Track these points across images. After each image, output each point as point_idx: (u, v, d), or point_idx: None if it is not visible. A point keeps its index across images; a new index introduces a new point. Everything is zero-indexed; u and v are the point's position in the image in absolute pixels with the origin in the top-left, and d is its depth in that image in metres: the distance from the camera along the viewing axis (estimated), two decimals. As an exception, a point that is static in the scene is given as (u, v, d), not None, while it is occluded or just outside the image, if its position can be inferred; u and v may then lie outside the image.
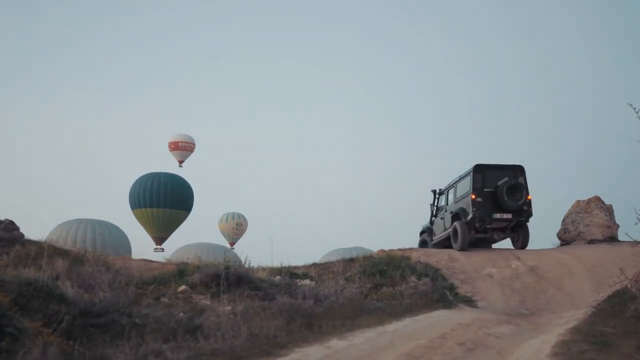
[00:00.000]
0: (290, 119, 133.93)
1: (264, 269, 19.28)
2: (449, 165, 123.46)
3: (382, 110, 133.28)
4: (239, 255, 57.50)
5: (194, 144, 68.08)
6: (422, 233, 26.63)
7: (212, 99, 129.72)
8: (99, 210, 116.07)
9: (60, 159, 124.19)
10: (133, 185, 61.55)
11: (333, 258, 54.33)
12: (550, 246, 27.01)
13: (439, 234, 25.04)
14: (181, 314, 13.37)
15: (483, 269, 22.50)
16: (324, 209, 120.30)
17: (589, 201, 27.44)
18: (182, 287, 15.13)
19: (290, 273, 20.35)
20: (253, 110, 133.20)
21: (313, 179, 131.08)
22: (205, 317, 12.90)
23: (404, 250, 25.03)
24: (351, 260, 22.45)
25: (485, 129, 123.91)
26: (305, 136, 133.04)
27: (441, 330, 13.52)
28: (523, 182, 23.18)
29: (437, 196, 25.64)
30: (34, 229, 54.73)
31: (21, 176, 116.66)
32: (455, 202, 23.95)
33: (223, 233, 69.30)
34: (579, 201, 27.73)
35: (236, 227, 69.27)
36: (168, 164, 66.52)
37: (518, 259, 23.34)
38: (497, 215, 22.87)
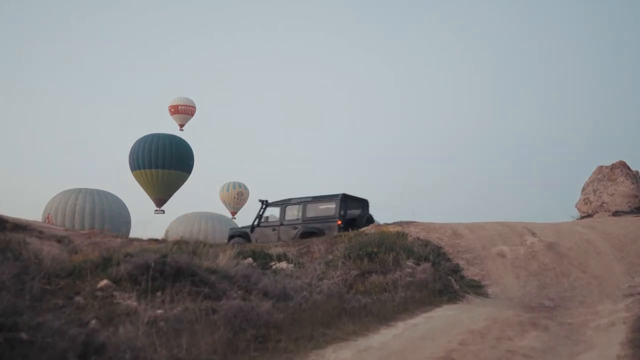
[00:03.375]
0: (291, 84, 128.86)
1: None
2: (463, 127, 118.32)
3: (387, 68, 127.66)
4: (238, 225, 54.89)
5: (195, 107, 64.16)
6: (233, 237, 25.71)
7: (214, 64, 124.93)
8: (99, 176, 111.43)
9: (58, 124, 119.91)
10: (133, 147, 57.87)
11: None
12: (568, 219, 22.75)
13: (269, 242, 23.89)
14: (93, 322, 9.27)
15: (493, 247, 18.49)
16: (330, 176, 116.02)
17: (613, 167, 23.11)
18: (104, 282, 10.82)
19: (264, 254, 16.12)
20: (255, 77, 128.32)
21: (320, 146, 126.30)
22: (113, 332, 8.58)
23: (402, 224, 20.78)
24: (336, 237, 18.06)
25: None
26: (307, 102, 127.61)
27: (446, 344, 9.33)
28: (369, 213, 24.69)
29: (264, 206, 25.53)
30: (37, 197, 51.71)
31: (19, 144, 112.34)
32: (306, 221, 24.08)
33: (224, 202, 66.13)
34: (601, 167, 23.43)
35: (237, 197, 65.99)
36: (169, 129, 62.69)
37: (533, 234, 19.27)
38: None
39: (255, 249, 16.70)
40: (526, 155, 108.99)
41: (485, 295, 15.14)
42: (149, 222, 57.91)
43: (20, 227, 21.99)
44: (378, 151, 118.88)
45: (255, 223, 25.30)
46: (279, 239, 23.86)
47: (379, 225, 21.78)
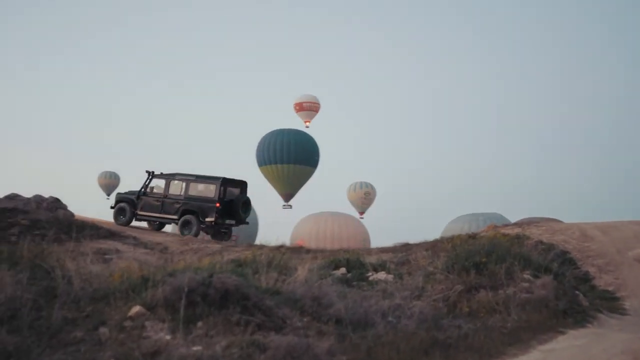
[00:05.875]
0: (421, 81, 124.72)
1: (313, 255, 12.55)
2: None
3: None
4: (366, 226, 52.18)
5: (319, 104, 62.80)
6: (120, 201, 26.01)
7: (341, 60, 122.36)
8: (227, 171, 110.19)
9: (185, 125, 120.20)
10: (260, 143, 57.07)
11: (457, 226, 47.99)
12: None
13: (153, 213, 25.51)
14: (108, 364, 7.00)
15: (629, 250, 15.53)
16: (459, 171, 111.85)
17: None
18: (136, 309, 8.30)
19: (360, 263, 13.45)
20: (383, 75, 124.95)
21: (448, 144, 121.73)
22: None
23: (522, 225, 17.64)
24: (441, 242, 15.17)
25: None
26: (437, 100, 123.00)
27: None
28: (246, 195, 26.01)
29: (150, 177, 25.97)
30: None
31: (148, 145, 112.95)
32: (187, 198, 24.98)
33: (352, 202, 63.82)
34: None
35: (364, 197, 63.58)
36: (295, 126, 61.51)
37: (677, 233, 15.76)
38: (228, 221, 25.10)
39: (350, 257, 13.93)
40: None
41: (622, 311, 12.03)
42: (275, 222, 56.62)
43: (115, 233, 20.22)
44: (509, 149, 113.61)
45: (142, 192, 25.69)
46: (162, 210, 25.01)
47: (497, 226, 18.70)
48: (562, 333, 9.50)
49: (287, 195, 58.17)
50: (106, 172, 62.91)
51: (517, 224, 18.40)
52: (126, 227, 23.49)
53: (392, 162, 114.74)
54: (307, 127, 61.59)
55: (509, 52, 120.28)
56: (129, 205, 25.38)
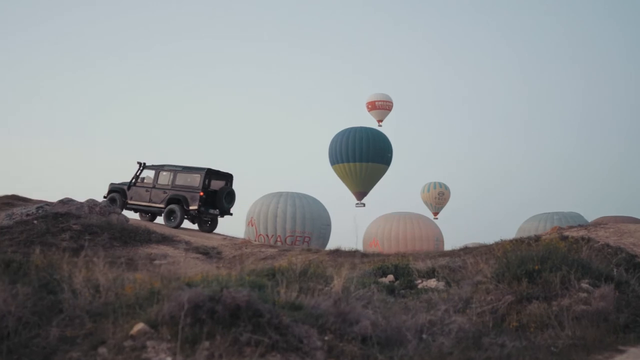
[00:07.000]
0: (496, 81, 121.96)
1: (362, 261, 11.58)
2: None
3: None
4: (439, 227, 50.78)
5: (392, 103, 62.35)
6: (112, 192, 27.09)
7: (415, 58, 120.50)
8: (297, 176, 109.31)
9: (256, 130, 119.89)
10: (332, 142, 56.78)
11: (532, 226, 46.20)
12: None
13: (141, 202, 26.52)
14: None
15: None
16: (536, 170, 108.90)
17: None
18: (139, 327, 7.38)
19: (408, 270, 12.43)
20: (456, 74, 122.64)
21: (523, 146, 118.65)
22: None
23: (588, 227, 16.21)
24: (496, 247, 13.94)
25: None
26: (516, 100, 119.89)
27: None
28: (231, 187, 26.87)
29: (141, 168, 26.92)
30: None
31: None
32: (174, 188, 25.91)
33: (426, 203, 62.81)
34: None
35: (438, 197, 62.34)
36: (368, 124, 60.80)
37: None
38: (212, 211, 25.96)
39: (399, 263, 12.85)
40: None
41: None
42: (350, 223, 56.30)
43: (167, 238, 19.56)
44: (592, 146, 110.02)
45: (132, 182, 26.82)
46: (150, 200, 26.13)
47: (561, 228, 17.28)
48: (621, 352, 8.20)
49: (360, 193, 57.82)
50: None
51: (584, 226, 16.94)
52: (180, 231, 23.26)
53: (466, 161, 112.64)
54: (379, 126, 60.84)
55: (586, 51, 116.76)
56: (120, 195, 26.61)
